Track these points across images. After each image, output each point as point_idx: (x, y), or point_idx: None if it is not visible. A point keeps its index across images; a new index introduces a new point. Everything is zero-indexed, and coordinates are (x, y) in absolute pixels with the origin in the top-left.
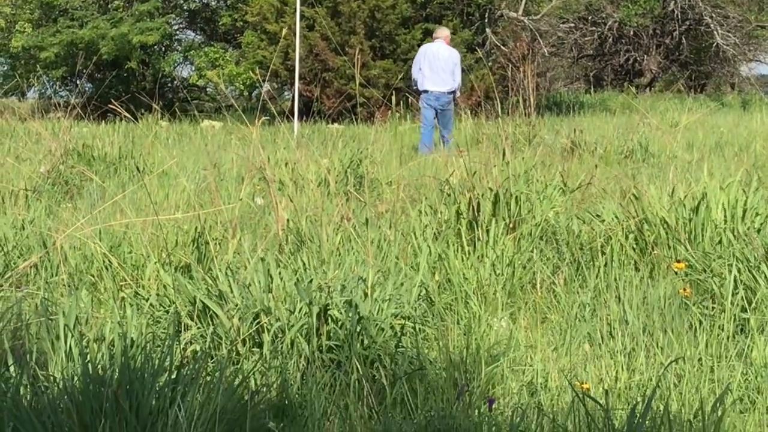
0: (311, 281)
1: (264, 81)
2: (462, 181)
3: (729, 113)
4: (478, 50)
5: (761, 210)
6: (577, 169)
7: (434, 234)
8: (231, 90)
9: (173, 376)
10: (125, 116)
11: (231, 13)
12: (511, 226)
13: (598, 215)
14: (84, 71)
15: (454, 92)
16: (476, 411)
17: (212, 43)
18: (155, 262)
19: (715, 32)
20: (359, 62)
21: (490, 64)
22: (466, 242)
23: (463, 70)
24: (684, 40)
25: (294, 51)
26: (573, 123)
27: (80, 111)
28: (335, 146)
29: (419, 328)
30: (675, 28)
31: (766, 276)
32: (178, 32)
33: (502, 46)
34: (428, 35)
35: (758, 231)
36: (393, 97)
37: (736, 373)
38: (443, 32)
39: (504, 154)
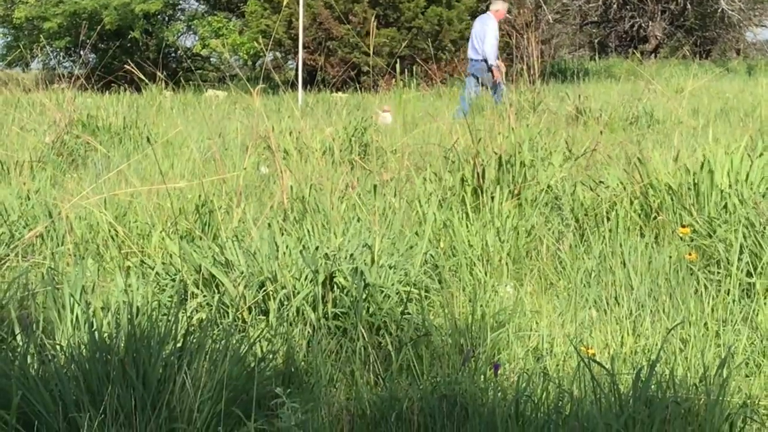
0: (317, 249)
1: (267, 50)
2: (466, 148)
3: (734, 79)
4: None
5: (767, 175)
6: (581, 135)
7: (439, 201)
8: (235, 59)
9: (179, 344)
10: (135, 82)
11: None
12: (515, 192)
13: (602, 181)
14: (87, 41)
15: (485, 61)
16: (482, 376)
17: (215, 12)
18: (161, 231)
19: None
20: (373, 30)
21: None
22: (470, 209)
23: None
24: (689, 6)
25: (297, 20)
26: (578, 90)
27: (84, 82)
28: (340, 115)
29: (425, 295)
30: None
31: None
32: (181, 1)
33: (506, 14)
34: (432, 2)
35: (763, 196)
36: (397, 66)
37: (742, 337)
38: (492, 5)
39: (508, 122)
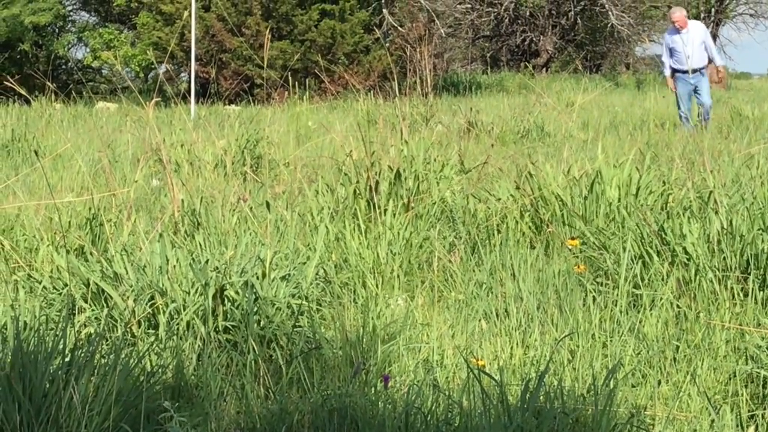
0: (207, 262)
1: (160, 62)
2: (359, 161)
3: (624, 93)
4: (376, 30)
5: (654, 187)
6: (473, 148)
7: (331, 214)
8: (127, 71)
9: (67, 359)
10: (23, 95)
11: None
12: (408, 205)
13: (493, 194)
14: None
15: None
16: (372, 389)
17: (107, 24)
18: (48, 245)
19: (609, 12)
20: (267, 42)
21: (387, 44)
22: (363, 222)
23: (363, 50)
24: (579, 21)
25: (190, 32)
26: (470, 103)
27: None
28: (232, 127)
29: (316, 308)
30: (570, 9)
31: (658, 251)
32: (71, 13)
33: (399, 27)
34: (326, 16)
35: (651, 208)
36: (290, 78)
37: (629, 347)
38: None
39: (401, 135)
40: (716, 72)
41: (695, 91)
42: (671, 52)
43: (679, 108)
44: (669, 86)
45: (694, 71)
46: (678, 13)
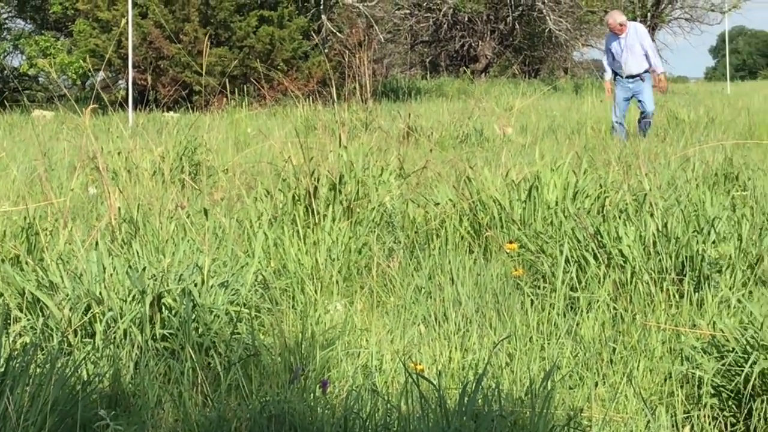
0: (144, 269)
1: (97, 70)
2: (299, 167)
3: (562, 97)
4: (315, 37)
5: (591, 191)
6: (413, 153)
7: (270, 220)
8: (63, 79)
9: (2, 369)
10: None
11: (62, 0)
12: (347, 211)
13: (432, 199)
14: None
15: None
16: (311, 394)
17: (43, 31)
18: None
19: (547, 18)
20: (206, 49)
21: (326, 51)
22: (301, 227)
23: (302, 56)
24: (517, 26)
25: (127, 39)
26: (409, 108)
27: None
28: (170, 134)
29: (255, 315)
30: (508, 14)
31: (595, 255)
32: (7, 21)
33: (338, 33)
34: (264, 22)
35: (588, 211)
36: (229, 85)
37: (566, 349)
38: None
39: (340, 140)
40: (657, 80)
41: (637, 97)
42: (612, 56)
43: (614, 114)
44: (606, 91)
45: (633, 77)
46: (611, 20)
